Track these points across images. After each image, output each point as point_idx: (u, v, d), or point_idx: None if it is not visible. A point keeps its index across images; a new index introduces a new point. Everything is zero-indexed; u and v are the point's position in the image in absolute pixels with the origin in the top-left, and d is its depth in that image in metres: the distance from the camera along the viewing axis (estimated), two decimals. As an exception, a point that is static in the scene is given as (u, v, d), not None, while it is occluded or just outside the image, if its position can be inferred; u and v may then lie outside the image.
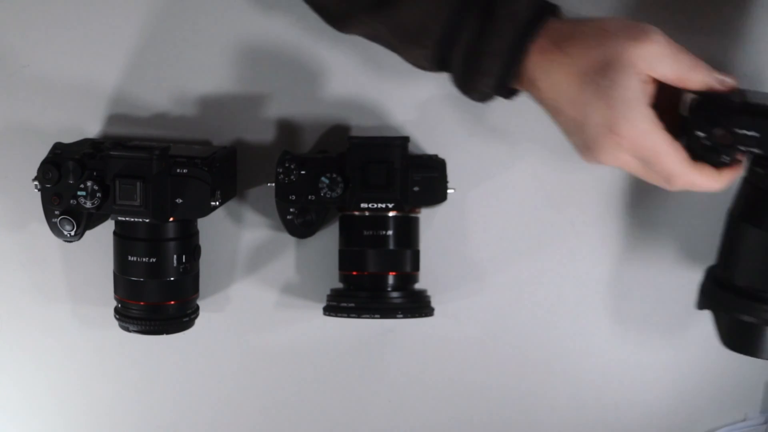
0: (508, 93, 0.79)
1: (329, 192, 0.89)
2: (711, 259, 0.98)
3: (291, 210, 0.91)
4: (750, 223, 0.78)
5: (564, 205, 0.92)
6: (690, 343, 0.98)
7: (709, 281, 0.83)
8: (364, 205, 0.89)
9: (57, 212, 0.88)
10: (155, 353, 0.99)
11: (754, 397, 1.00)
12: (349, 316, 0.89)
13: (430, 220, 0.93)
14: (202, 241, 0.94)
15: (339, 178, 0.89)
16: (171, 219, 0.89)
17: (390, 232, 0.89)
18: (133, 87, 0.95)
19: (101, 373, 0.99)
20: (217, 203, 0.89)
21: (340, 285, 0.93)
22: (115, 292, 0.92)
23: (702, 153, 0.74)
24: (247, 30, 0.93)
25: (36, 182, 0.88)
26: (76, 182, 0.87)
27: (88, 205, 0.86)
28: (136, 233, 0.89)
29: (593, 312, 0.97)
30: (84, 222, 0.88)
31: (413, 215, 0.91)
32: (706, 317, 0.98)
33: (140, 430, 1.01)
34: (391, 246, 0.89)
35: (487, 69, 0.77)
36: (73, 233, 0.88)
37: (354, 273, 0.90)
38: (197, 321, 0.94)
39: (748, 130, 0.72)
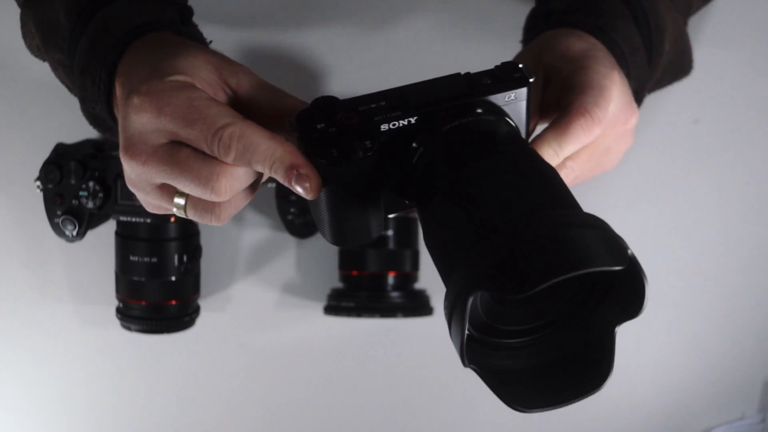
0: (110, 109, 0.67)
1: (329, 192, 0.89)
2: (710, 258, 0.98)
3: (291, 210, 0.92)
4: (446, 175, 0.60)
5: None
6: (688, 342, 0.98)
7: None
8: (364, 205, 0.89)
9: (59, 212, 0.88)
10: (156, 353, 0.99)
11: (751, 395, 1.00)
12: (349, 316, 0.90)
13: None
14: (203, 241, 0.94)
15: (339, 179, 0.89)
16: (172, 219, 0.89)
17: (390, 232, 0.89)
18: (135, 88, 0.95)
19: (103, 373, 1.00)
20: (218, 203, 0.89)
21: (340, 285, 0.93)
22: (117, 291, 0.92)
23: (324, 149, 0.58)
24: (248, 30, 0.94)
25: (38, 183, 0.89)
26: (78, 182, 0.87)
27: (90, 205, 0.87)
28: (138, 233, 0.89)
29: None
30: (86, 222, 0.89)
31: (413, 215, 0.91)
32: (705, 317, 0.99)
33: (141, 429, 1.01)
34: (391, 246, 0.90)
35: (92, 70, 0.66)
36: (75, 233, 0.89)
37: (354, 273, 0.91)
38: (198, 320, 0.95)
39: (373, 102, 0.60)
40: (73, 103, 0.95)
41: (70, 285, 0.98)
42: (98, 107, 0.67)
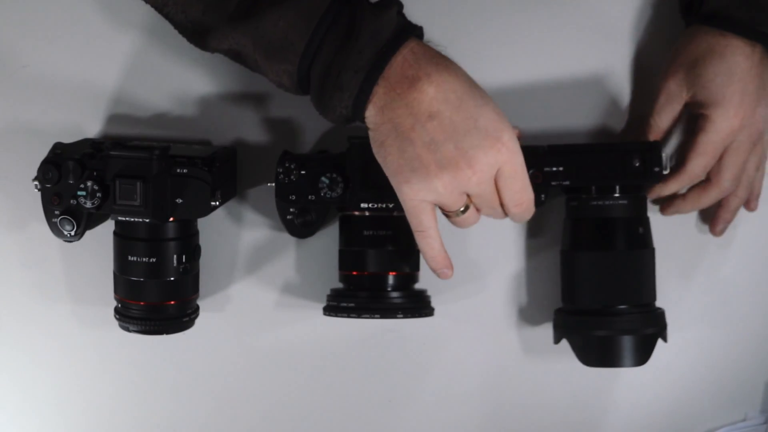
0: (363, 112, 0.79)
1: (329, 192, 0.89)
2: (708, 259, 0.98)
3: (291, 210, 0.91)
4: (577, 250, 0.90)
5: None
6: (690, 343, 0.98)
7: (558, 316, 0.92)
8: (364, 205, 0.89)
9: (57, 212, 0.88)
10: (155, 353, 0.99)
11: (754, 396, 1.00)
12: (349, 316, 0.89)
13: (430, 220, 0.94)
14: (202, 241, 0.94)
15: (339, 178, 0.89)
16: (171, 219, 0.89)
17: (390, 232, 0.89)
18: (134, 87, 0.95)
19: (101, 373, 0.99)
20: (217, 203, 0.89)
21: (340, 285, 0.93)
22: (115, 292, 0.92)
23: None
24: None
25: (36, 182, 0.88)
26: (76, 182, 0.87)
27: (88, 205, 0.86)
28: (136, 233, 0.89)
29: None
30: (84, 222, 0.88)
31: None
32: (705, 318, 0.98)
33: (140, 430, 1.01)
34: (391, 246, 0.89)
35: (345, 84, 0.77)
36: (73, 233, 0.88)
37: (354, 273, 0.90)
38: (197, 321, 0.94)
39: (554, 166, 0.87)
40: (72, 102, 0.95)
41: (68, 285, 0.98)
42: (346, 110, 0.78)
